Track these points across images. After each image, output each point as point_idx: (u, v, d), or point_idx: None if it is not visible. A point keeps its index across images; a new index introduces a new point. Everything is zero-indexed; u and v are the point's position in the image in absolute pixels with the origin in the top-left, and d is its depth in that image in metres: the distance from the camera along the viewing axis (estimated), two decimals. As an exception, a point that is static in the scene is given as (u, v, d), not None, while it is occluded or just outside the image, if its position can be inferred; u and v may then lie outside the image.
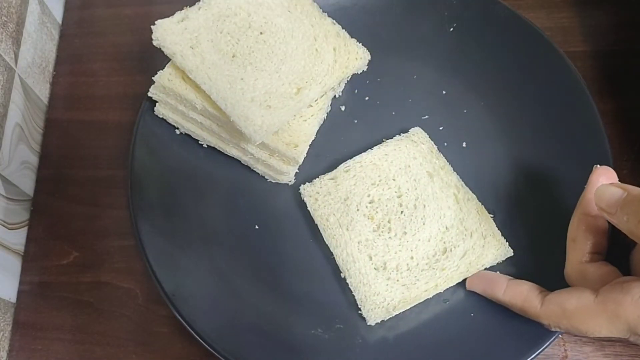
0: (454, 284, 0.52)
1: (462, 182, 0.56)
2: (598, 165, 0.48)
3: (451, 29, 0.63)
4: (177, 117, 0.57)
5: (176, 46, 0.54)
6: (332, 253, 0.54)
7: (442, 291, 0.52)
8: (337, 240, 0.54)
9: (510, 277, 0.50)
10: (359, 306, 0.52)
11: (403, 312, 0.52)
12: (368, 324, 0.51)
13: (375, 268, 0.53)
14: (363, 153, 0.57)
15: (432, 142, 0.57)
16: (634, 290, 0.41)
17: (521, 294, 0.48)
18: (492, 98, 0.61)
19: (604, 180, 0.47)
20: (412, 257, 0.53)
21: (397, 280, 0.52)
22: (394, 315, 0.52)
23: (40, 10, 0.67)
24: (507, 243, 0.53)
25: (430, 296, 0.52)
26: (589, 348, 0.54)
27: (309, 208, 0.55)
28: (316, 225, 0.55)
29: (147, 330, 0.56)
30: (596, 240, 0.47)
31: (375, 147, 0.57)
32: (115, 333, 0.56)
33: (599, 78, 0.64)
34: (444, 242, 0.53)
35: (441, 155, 0.57)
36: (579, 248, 0.47)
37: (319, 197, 0.56)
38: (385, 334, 0.52)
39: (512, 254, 0.53)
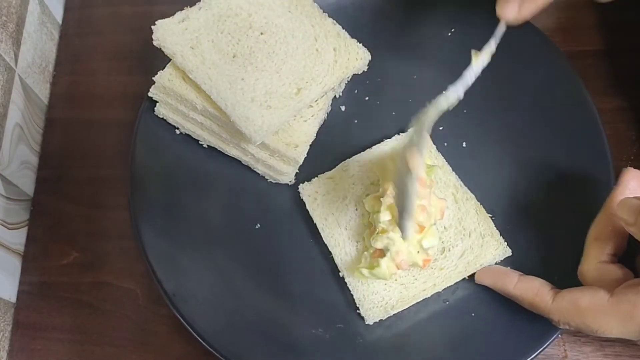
0: (452, 283, 0.52)
1: (461, 182, 0.56)
2: (629, 167, 0.48)
3: (451, 29, 0.63)
4: (178, 117, 0.57)
5: (176, 46, 0.54)
6: (330, 252, 0.54)
7: (440, 290, 0.52)
8: (335, 239, 0.54)
9: (520, 273, 0.50)
10: (357, 305, 0.52)
11: (403, 312, 0.52)
12: (366, 323, 0.51)
13: (374, 267, 0.53)
14: (362, 152, 0.57)
15: (431, 142, 0.58)
16: None
17: (533, 289, 0.48)
18: (492, 98, 0.61)
19: (633, 184, 0.47)
20: None
21: (396, 280, 0.52)
22: (393, 315, 0.52)
23: (40, 10, 0.67)
24: (506, 243, 0.53)
25: (429, 295, 0.52)
26: (588, 348, 0.54)
27: (307, 207, 0.56)
28: (316, 224, 0.55)
29: (147, 330, 0.56)
30: (619, 242, 0.46)
31: (374, 146, 0.57)
32: (115, 333, 0.56)
33: (598, 77, 0.64)
34: (443, 242, 0.53)
35: (440, 154, 0.57)
36: (600, 247, 0.46)
37: (318, 196, 0.56)
38: (385, 334, 0.52)
39: (511, 253, 0.53)
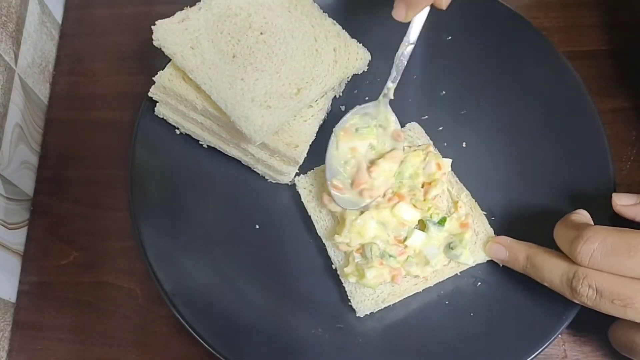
0: (444, 278, 0.53)
1: (457, 178, 0.56)
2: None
3: (450, 34, 0.63)
4: (178, 117, 0.57)
5: (176, 46, 0.54)
6: (324, 245, 0.54)
7: (432, 285, 0.52)
8: (329, 232, 0.54)
9: None
10: (349, 297, 0.52)
11: (404, 313, 0.52)
12: (357, 315, 0.51)
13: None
14: None
15: (428, 137, 0.58)
16: None
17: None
18: (491, 98, 0.61)
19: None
20: None
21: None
22: (393, 316, 0.52)
23: (40, 10, 0.67)
24: None
25: (420, 290, 0.52)
26: (588, 348, 0.54)
27: (302, 199, 0.56)
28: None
29: (147, 330, 0.56)
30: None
31: None
32: (115, 333, 0.56)
33: (598, 78, 0.64)
34: None
35: (438, 153, 0.57)
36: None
37: (313, 188, 0.56)
38: (385, 335, 0.52)
39: None
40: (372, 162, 0.52)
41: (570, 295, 0.46)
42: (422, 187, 0.53)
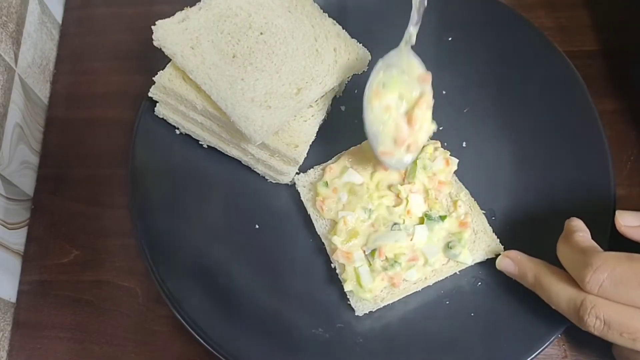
0: (443, 277, 0.53)
1: (455, 177, 0.56)
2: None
3: (451, 35, 0.63)
4: (178, 117, 0.57)
5: (177, 46, 0.54)
6: (324, 244, 0.54)
7: (430, 284, 0.53)
8: (328, 230, 0.54)
9: None
10: (348, 297, 0.52)
11: (405, 313, 0.52)
12: (356, 314, 0.51)
13: (364, 259, 0.53)
14: (358, 145, 0.57)
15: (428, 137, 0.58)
16: None
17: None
18: (492, 98, 0.61)
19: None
20: None
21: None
22: (393, 316, 0.52)
23: (40, 10, 0.67)
24: (498, 239, 0.53)
25: (419, 289, 0.52)
26: (588, 348, 0.54)
27: (302, 198, 0.56)
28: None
29: (147, 329, 0.56)
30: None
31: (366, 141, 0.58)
32: (115, 332, 0.56)
33: (599, 78, 0.64)
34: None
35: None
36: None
37: (312, 187, 0.56)
38: (385, 334, 0.52)
39: (503, 250, 0.53)
40: (408, 115, 0.50)
41: (577, 323, 0.45)
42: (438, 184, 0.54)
